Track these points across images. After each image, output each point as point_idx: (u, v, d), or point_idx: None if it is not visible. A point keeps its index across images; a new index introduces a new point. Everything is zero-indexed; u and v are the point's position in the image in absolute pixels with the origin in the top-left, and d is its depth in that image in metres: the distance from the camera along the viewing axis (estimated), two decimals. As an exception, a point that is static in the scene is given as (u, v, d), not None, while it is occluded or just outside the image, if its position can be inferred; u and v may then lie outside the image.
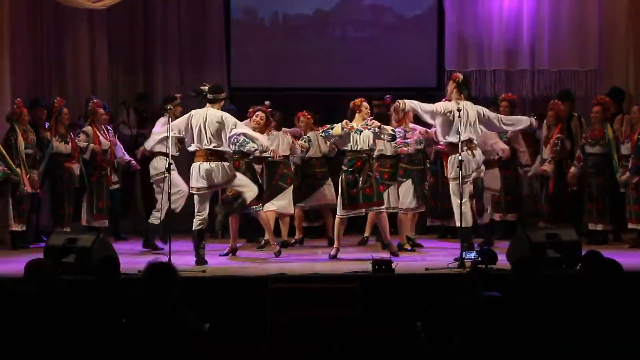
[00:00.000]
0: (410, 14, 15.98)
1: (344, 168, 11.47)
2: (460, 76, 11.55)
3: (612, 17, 14.88)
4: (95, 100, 13.42)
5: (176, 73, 15.62)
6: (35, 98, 13.47)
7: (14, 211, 12.60)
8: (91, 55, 15.26)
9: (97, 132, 13.16)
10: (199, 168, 11.03)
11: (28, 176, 12.62)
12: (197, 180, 11.05)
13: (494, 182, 12.52)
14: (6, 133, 12.72)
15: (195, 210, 11.18)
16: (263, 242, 12.40)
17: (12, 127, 12.63)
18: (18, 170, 12.47)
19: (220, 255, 11.79)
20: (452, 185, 11.25)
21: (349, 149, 11.47)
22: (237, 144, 11.19)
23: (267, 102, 12.80)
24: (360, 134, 11.41)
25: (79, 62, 15.15)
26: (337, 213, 11.57)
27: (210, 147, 10.98)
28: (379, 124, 11.48)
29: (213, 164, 10.99)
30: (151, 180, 12.65)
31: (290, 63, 15.81)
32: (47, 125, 13.07)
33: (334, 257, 11.41)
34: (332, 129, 11.45)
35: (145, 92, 15.35)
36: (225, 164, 11.09)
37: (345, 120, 11.51)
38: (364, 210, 11.53)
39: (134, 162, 13.40)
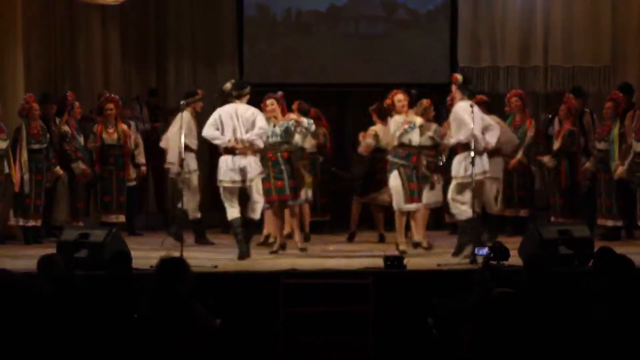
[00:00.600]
0: (423, 10, 15.97)
1: (401, 162, 11.38)
2: (459, 77, 11.38)
3: (625, 13, 14.85)
4: (106, 95, 13.44)
5: (189, 68, 15.67)
6: (45, 93, 13.49)
7: (15, 205, 12.61)
8: (104, 51, 15.30)
9: (104, 128, 13.16)
10: (232, 161, 11.03)
11: (57, 168, 12.80)
12: (227, 174, 11.05)
13: (495, 169, 12.33)
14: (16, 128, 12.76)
15: (226, 205, 11.17)
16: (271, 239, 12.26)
17: (22, 123, 12.66)
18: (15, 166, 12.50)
19: (271, 253, 11.60)
20: (456, 183, 11.14)
21: (405, 143, 11.40)
22: (282, 131, 11.40)
23: (280, 93, 12.75)
24: (413, 130, 11.41)
25: (92, 57, 15.18)
26: (399, 207, 11.43)
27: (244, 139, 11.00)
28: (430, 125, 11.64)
29: (246, 158, 11.01)
30: (171, 176, 12.66)
31: (303, 59, 15.83)
32: (57, 120, 13.09)
33: (404, 252, 11.16)
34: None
35: (157, 87, 15.39)
36: (254, 158, 11.09)
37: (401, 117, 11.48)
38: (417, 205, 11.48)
39: (143, 168, 13.44)
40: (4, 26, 13.25)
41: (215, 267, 10.13)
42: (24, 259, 10.62)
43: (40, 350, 6.24)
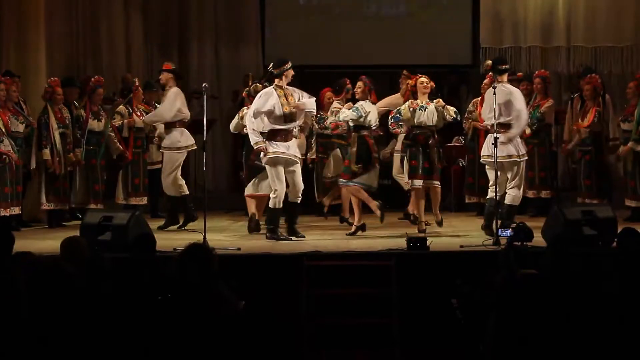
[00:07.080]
0: (445, -10, 15.96)
1: (406, 142, 11.47)
2: (488, 62, 11.35)
3: (648, -8, 14.77)
4: (136, 84, 13.37)
5: (211, 50, 15.69)
6: (68, 77, 13.48)
7: (47, 190, 12.64)
8: (126, 33, 15.34)
9: (133, 111, 13.17)
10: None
11: (70, 154, 12.75)
12: (274, 147, 11.01)
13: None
14: (40, 112, 12.77)
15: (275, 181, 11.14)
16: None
17: (45, 106, 12.66)
18: (47, 150, 12.48)
19: (348, 235, 11.45)
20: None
21: (413, 124, 11.34)
22: None
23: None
24: (424, 110, 11.30)
25: (114, 40, 15.22)
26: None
27: None
28: (444, 103, 11.37)
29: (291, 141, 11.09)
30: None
31: (324, 40, 15.82)
32: (77, 104, 13.10)
33: (423, 231, 11.24)
34: (400, 113, 11.34)
35: (179, 69, 15.36)
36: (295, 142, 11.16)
37: (410, 100, 11.40)
38: (422, 181, 11.34)
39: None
40: (27, 10, 13.29)
41: (239, 249, 10.15)
42: (48, 242, 10.66)
43: (66, 332, 6.28)
